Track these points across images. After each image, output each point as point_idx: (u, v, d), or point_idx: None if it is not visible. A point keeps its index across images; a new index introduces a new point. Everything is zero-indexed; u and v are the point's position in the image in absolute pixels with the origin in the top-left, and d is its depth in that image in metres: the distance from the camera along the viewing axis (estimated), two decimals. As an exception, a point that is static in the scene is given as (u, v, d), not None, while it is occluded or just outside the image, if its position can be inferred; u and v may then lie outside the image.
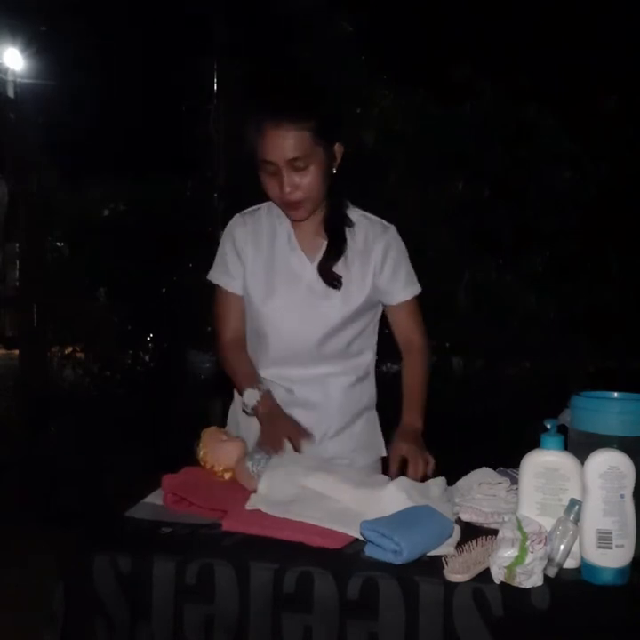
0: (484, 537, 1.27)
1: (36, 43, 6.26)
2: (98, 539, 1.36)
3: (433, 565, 1.22)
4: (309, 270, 1.76)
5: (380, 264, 1.77)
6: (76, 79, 6.47)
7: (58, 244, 6.93)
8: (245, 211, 1.85)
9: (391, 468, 1.62)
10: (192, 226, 6.00)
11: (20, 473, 4.80)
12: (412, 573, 1.20)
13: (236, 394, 1.87)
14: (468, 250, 4.88)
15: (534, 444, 1.27)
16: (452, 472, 1.56)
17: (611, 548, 1.17)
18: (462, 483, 1.48)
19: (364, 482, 1.48)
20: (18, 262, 6.86)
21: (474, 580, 1.18)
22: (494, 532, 1.25)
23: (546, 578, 1.18)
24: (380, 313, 1.86)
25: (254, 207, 1.84)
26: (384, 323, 1.88)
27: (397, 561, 1.21)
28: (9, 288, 9.61)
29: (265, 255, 1.80)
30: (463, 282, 4.86)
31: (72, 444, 5.27)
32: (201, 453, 1.64)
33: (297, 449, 1.62)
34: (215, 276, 1.85)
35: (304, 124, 1.58)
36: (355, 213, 1.79)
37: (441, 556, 1.23)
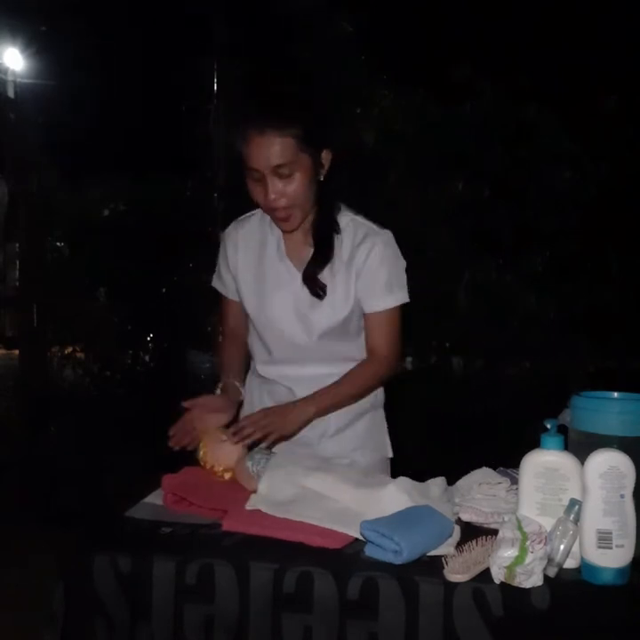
0: (483, 537, 1.27)
1: (36, 43, 6.27)
2: (98, 539, 1.36)
3: (433, 565, 1.22)
4: (296, 279, 1.75)
5: (361, 271, 1.72)
6: (76, 79, 6.47)
7: (58, 244, 6.93)
8: (240, 217, 1.86)
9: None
10: (192, 226, 6.00)
11: (20, 473, 4.79)
12: (412, 573, 1.20)
13: (246, 386, 1.89)
14: (468, 250, 4.87)
15: (534, 444, 1.27)
16: (452, 472, 1.56)
17: (611, 548, 1.17)
18: (462, 483, 1.48)
19: (363, 482, 1.48)
20: (18, 262, 6.87)
21: (474, 579, 1.18)
22: (494, 532, 1.25)
23: (546, 578, 1.18)
24: None
25: (249, 214, 1.84)
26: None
27: (397, 561, 1.21)
28: (9, 288, 9.63)
29: (255, 263, 1.80)
30: (463, 282, 4.86)
31: (72, 444, 5.26)
32: (201, 453, 1.64)
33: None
34: (213, 281, 1.91)
35: (288, 131, 1.57)
36: (345, 219, 1.75)
37: (441, 556, 1.23)
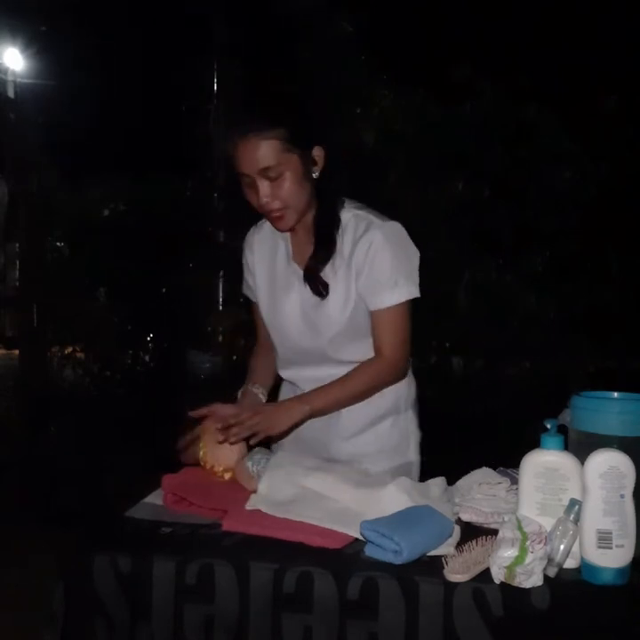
0: (483, 537, 1.27)
1: (36, 43, 6.27)
2: (98, 539, 1.36)
3: (433, 565, 1.22)
4: (302, 280, 1.73)
5: (361, 267, 1.66)
6: (76, 79, 6.48)
7: (58, 244, 6.93)
8: (260, 222, 1.85)
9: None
10: (192, 226, 6.00)
11: (20, 473, 4.79)
12: (412, 573, 1.20)
13: (281, 388, 1.89)
14: (468, 250, 4.87)
15: (534, 444, 1.27)
16: (452, 472, 1.56)
17: (611, 548, 1.17)
18: (462, 483, 1.48)
19: (363, 482, 1.48)
20: (18, 262, 6.88)
21: (474, 579, 1.18)
22: (494, 532, 1.25)
23: (546, 578, 1.18)
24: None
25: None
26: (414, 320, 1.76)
27: (397, 561, 1.21)
28: (9, 288, 9.63)
29: (268, 266, 1.81)
30: (463, 282, 4.86)
31: (72, 444, 5.26)
32: (201, 453, 1.64)
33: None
34: (243, 288, 1.91)
35: (271, 134, 1.56)
36: (347, 214, 1.70)
37: (441, 556, 1.23)
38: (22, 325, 6.52)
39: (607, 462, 1.18)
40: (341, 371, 1.69)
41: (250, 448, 1.62)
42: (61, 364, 6.53)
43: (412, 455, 1.81)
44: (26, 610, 2.70)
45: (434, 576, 1.19)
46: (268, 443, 1.67)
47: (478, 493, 1.42)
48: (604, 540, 1.17)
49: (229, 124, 1.58)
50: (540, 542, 1.16)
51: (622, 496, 1.17)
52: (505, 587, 1.16)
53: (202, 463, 1.64)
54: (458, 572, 1.18)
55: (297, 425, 1.67)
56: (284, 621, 1.21)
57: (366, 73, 5.23)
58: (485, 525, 1.38)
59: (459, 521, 1.38)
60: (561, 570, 1.20)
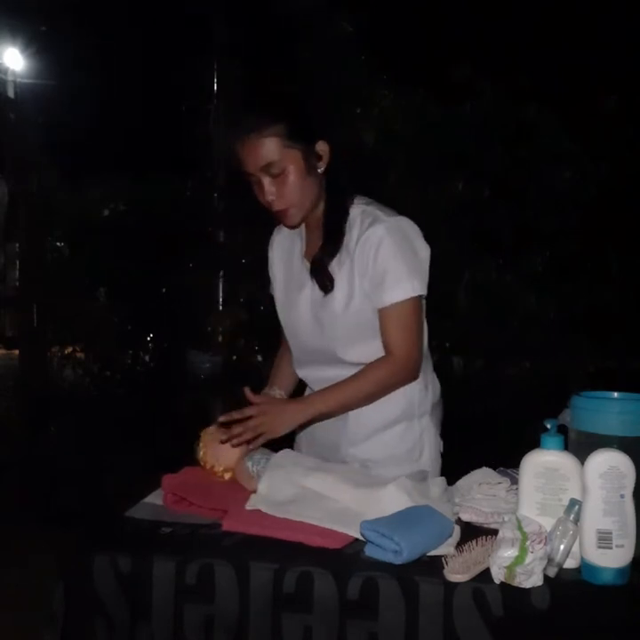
0: (483, 537, 1.27)
1: (36, 43, 6.27)
2: (98, 539, 1.36)
3: (433, 565, 1.22)
4: (309, 276, 1.73)
5: (365, 265, 1.64)
6: (76, 79, 6.47)
7: (58, 244, 6.94)
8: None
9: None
10: (192, 226, 6.00)
11: (20, 473, 4.80)
12: (412, 573, 1.20)
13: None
14: (468, 250, 4.87)
15: (534, 444, 1.27)
16: (452, 472, 1.56)
17: (611, 548, 1.17)
18: (462, 483, 1.48)
19: (363, 482, 1.48)
20: (18, 262, 6.88)
21: (474, 579, 1.18)
22: (494, 532, 1.25)
23: (546, 578, 1.18)
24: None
25: None
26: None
27: (397, 561, 1.21)
28: (9, 288, 9.64)
29: (286, 266, 1.82)
30: (463, 282, 4.86)
31: (72, 444, 5.27)
32: (201, 453, 1.65)
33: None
34: (270, 287, 1.91)
35: (271, 131, 1.57)
36: (356, 210, 1.69)
37: (441, 556, 1.23)
38: (22, 325, 6.52)
39: (607, 462, 1.18)
40: (350, 373, 1.66)
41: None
42: (61, 364, 6.53)
43: (426, 463, 1.74)
44: (26, 610, 2.71)
45: (434, 576, 1.19)
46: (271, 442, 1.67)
47: (478, 493, 1.42)
48: (604, 539, 1.17)
49: (230, 124, 1.60)
50: (540, 542, 1.16)
51: (622, 496, 1.17)
52: (505, 587, 1.16)
53: (202, 463, 1.64)
54: (458, 571, 1.18)
55: (302, 427, 1.68)
56: (284, 621, 1.21)
57: (366, 73, 5.23)
58: (485, 525, 1.38)
59: (459, 521, 1.38)
60: (561, 570, 1.20)
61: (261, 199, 1.66)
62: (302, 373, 1.82)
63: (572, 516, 1.20)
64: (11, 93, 6.28)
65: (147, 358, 6.54)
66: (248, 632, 1.22)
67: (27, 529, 3.82)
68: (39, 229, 6.40)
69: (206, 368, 6.11)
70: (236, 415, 1.58)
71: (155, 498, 1.53)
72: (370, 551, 1.26)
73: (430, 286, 1.69)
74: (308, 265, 1.74)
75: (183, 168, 6.39)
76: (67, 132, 6.75)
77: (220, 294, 6.21)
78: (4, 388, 6.75)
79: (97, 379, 6.46)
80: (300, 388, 1.89)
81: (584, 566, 1.20)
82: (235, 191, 5.65)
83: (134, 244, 6.02)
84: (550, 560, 1.19)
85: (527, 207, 5.01)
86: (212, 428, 1.69)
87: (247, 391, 1.61)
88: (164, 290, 6.34)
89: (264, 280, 1.93)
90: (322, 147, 1.66)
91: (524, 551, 1.15)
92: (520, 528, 1.19)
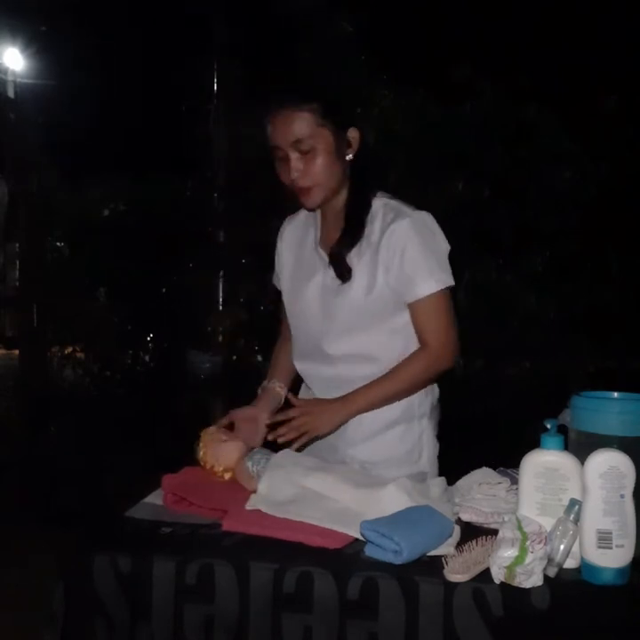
0: (484, 537, 1.27)
1: (36, 43, 6.27)
2: (98, 539, 1.36)
3: (433, 565, 1.22)
4: (326, 265, 1.72)
5: (391, 259, 1.64)
6: (76, 79, 6.47)
7: (58, 244, 6.94)
8: (294, 214, 1.87)
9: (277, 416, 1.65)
10: (192, 226, 6.00)
11: (20, 473, 4.80)
12: (412, 573, 1.20)
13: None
14: (468, 250, 4.87)
15: (534, 444, 1.27)
16: (452, 472, 1.56)
17: (611, 548, 1.17)
18: (462, 483, 1.48)
19: (363, 482, 1.48)
20: (18, 262, 6.88)
21: (474, 579, 1.18)
22: (494, 532, 1.25)
23: (546, 578, 1.18)
24: None
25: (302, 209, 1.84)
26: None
27: (397, 561, 1.21)
28: (9, 288, 9.64)
29: (296, 254, 1.82)
30: (463, 282, 4.86)
31: (72, 443, 5.27)
32: (201, 453, 1.65)
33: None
34: (273, 278, 1.91)
35: (306, 106, 1.59)
36: (378, 202, 1.69)
37: (441, 556, 1.23)
38: (22, 325, 6.52)
39: (607, 462, 1.18)
40: (352, 370, 1.68)
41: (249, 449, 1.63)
42: (61, 364, 6.53)
43: (426, 465, 1.75)
44: (26, 610, 2.70)
45: (434, 576, 1.19)
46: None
47: (478, 493, 1.42)
48: (604, 539, 1.17)
49: (262, 97, 1.60)
50: (540, 542, 1.16)
51: (622, 496, 1.17)
52: (505, 587, 1.16)
53: (202, 463, 1.64)
54: (458, 572, 1.18)
55: (342, 424, 1.67)
56: (284, 621, 1.21)
57: (366, 73, 5.23)
58: (485, 525, 1.38)
59: (459, 521, 1.38)
60: (561, 570, 1.20)
61: (284, 177, 1.66)
62: (301, 367, 1.81)
63: (571, 516, 1.20)
64: (11, 93, 6.28)
65: (147, 358, 6.54)
66: (248, 632, 1.22)
67: (27, 529, 3.82)
68: (39, 229, 6.40)
69: (206, 368, 6.10)
70: (280, 417, 1.62)
71: (155, 498, 1.53)
72: (370, 551, 1.26)
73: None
74: (322, 253, 1.74)
75: (183, 168, 6.38)
76: (67, 131, 6.75)
77: (220, 294, 6.22)
78: (4, 388, 6.75)
79: (97, 379, 6.45)
80: (297, 385, 1.88)
81: (584, 566, 1.20)
82: (235, 191, 5.66)
83: (134, 243, 6.02)
84: (550, 560, 1.19)
85: (527, 207, 5.01)
86: (212, 428, 1.70)
87: (291, 396, 1.67)
88: (164, 290, 6.34)
89: (265, 281, 1.93)
90: (353, 134, 1.67)
91: (523, 551, 1.15)
92: (520, 528, 1.19)
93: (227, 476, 1.62)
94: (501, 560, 1.16)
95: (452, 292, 1.71)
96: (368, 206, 1.69)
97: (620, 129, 4.94)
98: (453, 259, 1.72)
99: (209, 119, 6.26)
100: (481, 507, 1.40)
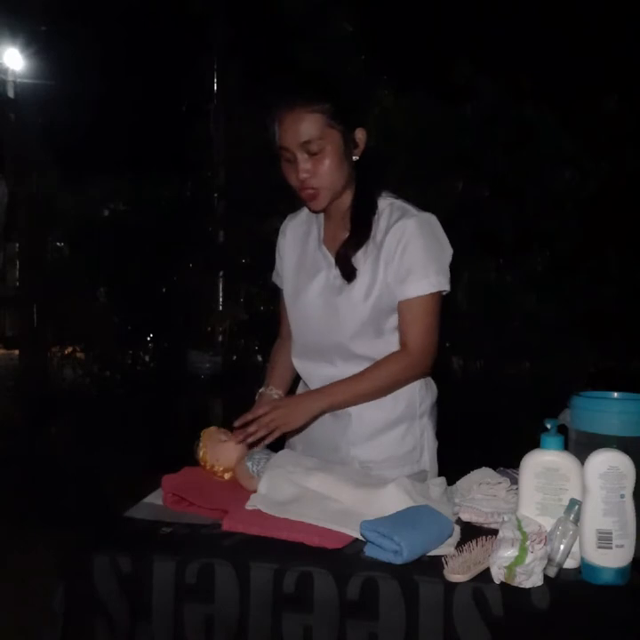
0: (484, 537, 1.27)
1: (36, 43, 6.27)
2: (98, 539, 1.36)
3: (433, 565, 1.22)
4: (331, 266, 1.71)
5: (392, 254, 1.64)
6: (76, 79, 6.48)
7: (58, 244, 6.94)
8: (295, 212, 1.86)
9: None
10: (192, 226, 6.01)
11: (20, 473, 4.79)
12: (412, 573, 1.20)
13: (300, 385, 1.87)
14: (468, 250, 4.88)
15: (534, 444, 1.27)
16: (452, 472, 1.56)
17: (611, 548, 1.17)
18: (462, 483, 1.48)
19: (363, 482, 1.48)
20: (18, 262, 6.88)
21: (474, 580, 1.18)
22: (494, 532, 1.25)
23: (546, 578, 1.18)
24: None
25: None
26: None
27: (397, 561, 1.21)
28: (9, 288, 9.64)
29: (298, 253, 1.81)
30: (463, 282, 4.86)
31: (72, 444, 5.27)
32: (201, 453, 1.64)
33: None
34: (273, 276, 1.89)
35: (317, 107, 1.58)
36: (384, 202, 1.70)
37: (441, 556, 1.23)
38: (22, 325, 6.53)
39: (607, 462, 1.18)
40: (352, 370, 1.66)
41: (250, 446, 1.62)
42: (61, 364, 6.53)
43: (427, 463, 1.75)
44: (26, 610, 2.70)
45: (434, 576, 1.19)
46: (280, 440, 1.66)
47: (478, 493, 1.42)
48: (604, 539, 1.17)
49: (271, 97, 1.58)
50: (540, 542, 1.16)
51: (622, 496, 1.17)
52: (505, 587, 1.16)
53: (202, 463, 1.64)
54: (458, 572, 1.18)
55: (315, 418, 1.65)
56: (284, 621, 1.21)
57: (366, 73, 5.23)
58: (485, 525, 1.38)
59: (459, 521, 1.38)
60: (561, 570, 1.20)
61: (291, 178, 1.65)
62: (300, 365, 1.80)
63: (571, 516, 1.20)
64: (11, 93, 6.29)
65: (147, 358, 6.54)
66: (248, 632, 1.22)
67: (27, 529, 3.82)
68: (39, 229, 6.41)
69: (206, 368, 6.11)
70: (248, 416, 1.59)
71: (155, 498, 1.53)
72: (370, 551, 1.26)
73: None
74: (325, 251, 1.74)
75: (183, 168, 6.39)
76: (67, 132, 6.75)
77: (220, 294, 6.22)
78: (4, 388, 6.75)
79: (97, 379, 6.46)
80: (296, 386, 1.87)
81: (584, 566, 1.20)
82: (235, 191, 5.66)
83: (134, 243, 6.02)
84: (550, 560, 1.19)
85: (527, 207, 5.01)
86: (212, 428, 1.69)
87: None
88: (164, 290, 6.35)
89: (265, 281, 1.92)
90: (360, 134, 1.66)
91: (523, 551, 1.15)
92: (520, 528, 1.19)
93: (227, 476, 1.62)
94: (501, 560, 1.16)
95: (447, 297, 1.71)
96: (375, 207, 1.69)
97: (620, 129, 4.94)
98: (453, 259, 1.72)
99: (209, 119, 6.27)
100: (481, 507, 1.40)
